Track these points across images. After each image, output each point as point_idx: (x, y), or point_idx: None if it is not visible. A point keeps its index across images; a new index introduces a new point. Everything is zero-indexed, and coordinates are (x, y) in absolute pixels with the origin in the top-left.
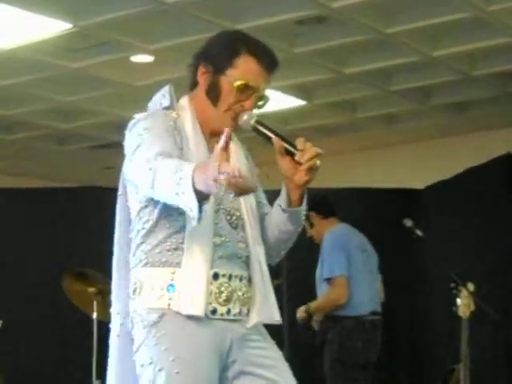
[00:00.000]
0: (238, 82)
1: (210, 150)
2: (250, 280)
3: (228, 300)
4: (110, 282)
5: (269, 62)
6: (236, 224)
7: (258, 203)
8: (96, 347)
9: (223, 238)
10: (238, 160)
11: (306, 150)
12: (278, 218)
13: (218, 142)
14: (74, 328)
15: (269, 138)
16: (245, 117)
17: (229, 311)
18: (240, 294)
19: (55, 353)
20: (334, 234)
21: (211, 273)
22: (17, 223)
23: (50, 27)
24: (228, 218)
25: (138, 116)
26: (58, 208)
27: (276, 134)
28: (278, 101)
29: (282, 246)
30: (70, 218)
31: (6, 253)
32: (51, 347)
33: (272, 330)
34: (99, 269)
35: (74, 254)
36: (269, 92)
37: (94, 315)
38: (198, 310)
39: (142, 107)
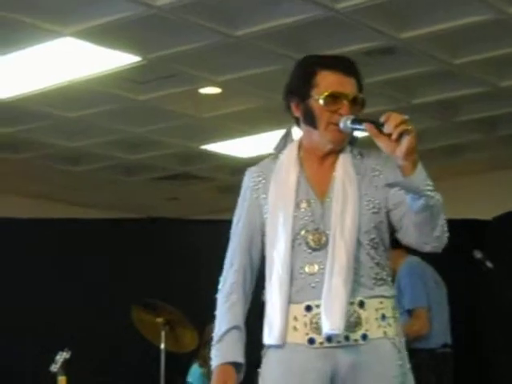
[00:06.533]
0: (324, 94)
1: (313, 174)
2: (361, 303)
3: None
4: (177, 313)
5: (344, 66)
6: (323, 245)
7: (389, 211)
8: (164, 377)
9: (317, 266)
10: (345, 171)
11: (390, 120)
12: (406, 201)
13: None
14: (143, 358)
15: (365, 130)
16: (341, 124)
17: (329, 338)
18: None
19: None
20: (412, 266)
21: (303, 306)
22: (85, 253)
23: (119, 60)
24: (313, 242)
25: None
26: (124, 239)
27: (367, 121)
28: None
29: (424, 230)
30: (137, 249)
31: (76, 282)
32: (119, 377)
33: None
34: (167, 299)
35: (142, 285)
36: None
37: (162, 345)
38: (276, 339)
39: (209, 139)
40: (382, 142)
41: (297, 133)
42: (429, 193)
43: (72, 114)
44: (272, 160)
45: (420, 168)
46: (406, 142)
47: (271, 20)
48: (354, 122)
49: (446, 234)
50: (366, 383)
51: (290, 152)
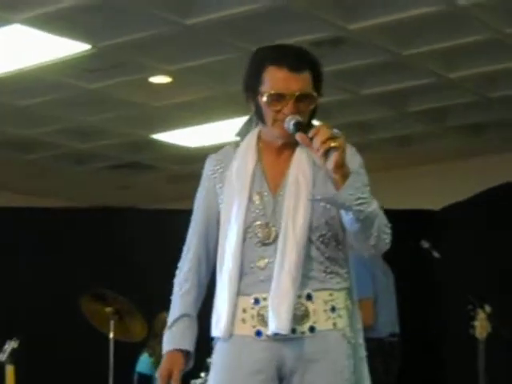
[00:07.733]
0: (267, 93)
1: (269, 166)
2: (309, 296)
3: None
4: (127, 302)
5: (292, 62)
6: (273, 240)
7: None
8: (113, 366)
9: (266, 260)
10: (300, 166)
11: (317, 136)
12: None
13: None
14: (92, 347)
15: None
16: (285, 124)
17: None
18: None
19: (72, 372)
20: (359, 256)
21: (252, 298)
22: (35, 243)
23: (69, 48)
24: (263, 236)
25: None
26: (76, 228)
27: (302, 130)
28: None
29: (358, 239)
30: (88, 238)
31: (24, 272)
32: (68, 367)
33: None
34: (117, 289)
35: (92, 275)
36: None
37: (111, 335)
38: (221, 332)
39: (159, 128)
40: (314, 153)
41: None
42: (358, 207)
43: (22, 103)
44: (233, 148)
45: (350, 182)
46: (332, 157)
47: (222, 9)
48: (295, 125)
49: (386, 241)
50: (313, 375)
51: (250, 141)
